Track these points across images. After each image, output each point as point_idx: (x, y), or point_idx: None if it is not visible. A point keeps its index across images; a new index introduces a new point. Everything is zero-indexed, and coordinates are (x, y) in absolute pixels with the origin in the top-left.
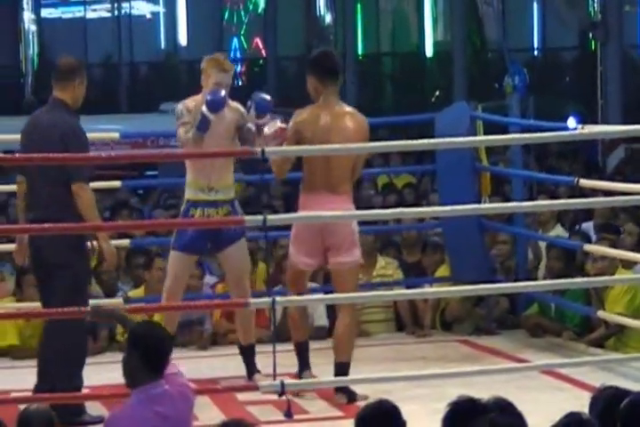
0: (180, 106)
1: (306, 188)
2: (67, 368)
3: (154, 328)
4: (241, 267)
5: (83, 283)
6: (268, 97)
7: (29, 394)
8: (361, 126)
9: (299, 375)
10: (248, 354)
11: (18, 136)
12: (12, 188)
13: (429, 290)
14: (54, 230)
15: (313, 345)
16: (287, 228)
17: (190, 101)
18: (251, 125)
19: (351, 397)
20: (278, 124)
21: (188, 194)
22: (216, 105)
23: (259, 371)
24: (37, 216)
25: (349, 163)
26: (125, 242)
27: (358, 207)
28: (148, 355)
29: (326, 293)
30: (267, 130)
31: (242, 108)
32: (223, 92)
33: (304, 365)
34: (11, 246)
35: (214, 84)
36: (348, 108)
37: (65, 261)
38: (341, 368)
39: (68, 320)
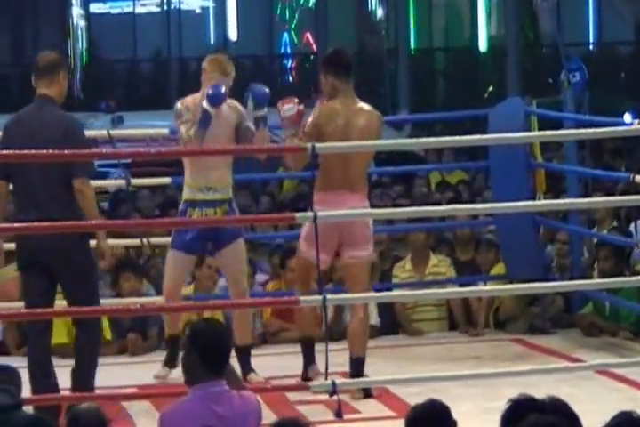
0: (178, 104)
1: (322, 185)
2: (94, 368)
3: (214, 326)
4: (238, 266)
5: (97, 282)
6: (265, 88)
7: (78, 392)
8: (378, 123)
9: (304, 371)
10: (243, 354)
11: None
12: None
13: (483, 288)
14: (63, 228)
15: None
16: None
17: (189, 100)
18: (249, 124)
19: (367, 392)
20: (298, 106)
21: (186, 194)
22: (217, 99)
23: (253, 370)
24: (38, 216)
25: (366, 161)
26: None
27: (412, 204)
28: (207, 353)
29: (379, 291)
30: (286, 111)
31: (240, 107)
32: (224, 87)
33: (309, 361)
34: None
35: None
36: (366, 106)
37: (91, 262)
38: (357, 363)
39: (97, 320)
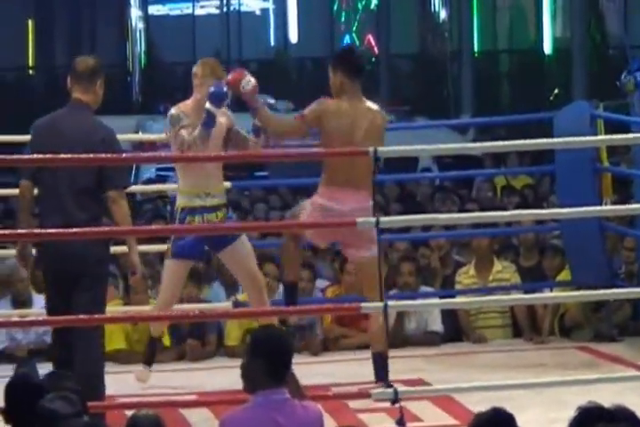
0: (174, 110)
1: (327, 182)
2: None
3: (277, 333)
4: (247, 262)
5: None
6: (224, 87)
7: (137, 399)
8: (383, 124)
9: None
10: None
11: (126, 136)
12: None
13: (548, 295)
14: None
15: (426, 351)
16: (402, 230)
17: (184, 106)
18: (240, 129)
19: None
20: (250, 77)
21: (183, 201)
22: (220, 98)
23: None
24: (66, 221)
25: (371, 159)
26: None
27: (477, 209)
28: (270, 361)
29: (442, 297)
30: (244, 85)
31: (228, 111)
32: (226, 87)
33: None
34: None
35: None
36: (373, 105)
37: (108, 273)
38: (379, 358)
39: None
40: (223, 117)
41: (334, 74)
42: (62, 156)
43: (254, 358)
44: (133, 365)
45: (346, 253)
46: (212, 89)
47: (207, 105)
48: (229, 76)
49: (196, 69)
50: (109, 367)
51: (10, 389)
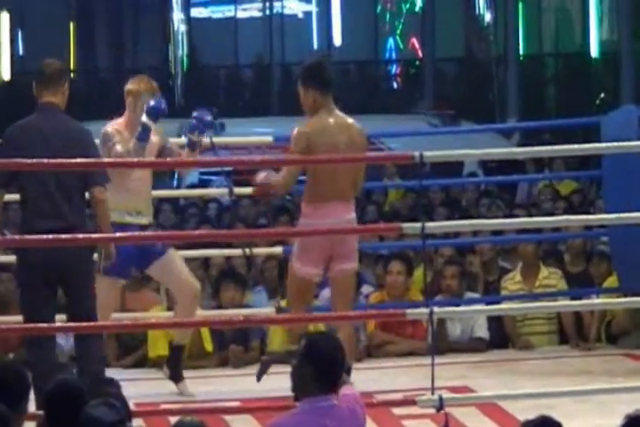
0: (108, 128)
1: (311, 198)
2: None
3: (331, 340)
4: (176, 276)
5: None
6: (163, 102)
7: (180, 406)
8: (363, 136)
9: None
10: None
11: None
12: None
13: (595, 301)
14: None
15: (471, 358)
16: (447, 236)
17: (117, 124)
18: (173, 146)
19: None
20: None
21: (112, 216)
22: (158, 112)
23: (183, 378)
24: (60, 226)
25: (354, 172)
26: (278, 250)
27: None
28: (321, 367)
29: (488, 304)
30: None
31: (160, 129)
32: (164, 103)
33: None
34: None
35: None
36: (349, 119)
37: (92, 274)
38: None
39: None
40: (156, 136)
41: (306, 91)
42: (55, 160)
43: (305, 365)
44: None
45: (331, 267)
46: (151, 103)
47: (144, 118)
48: (256, 192)
49: (130, 86)
50: (153, 374)
51: (51, 395)
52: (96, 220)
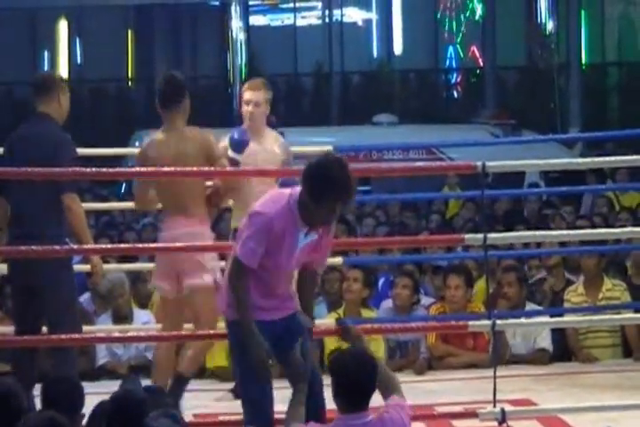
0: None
1: (163, 211)
2: None
3: (356, 357)
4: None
5: (74, 302)
6: (245, 133)
7: (238, 417)
8: (203, 147)
9: None
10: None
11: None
12: None
13: None
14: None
15: (533, 370)
16: (509, 247)
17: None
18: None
19: None
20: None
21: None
22: (242, 144)
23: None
24: (24, 232)
25: (197, 187)
26: (338, 260)
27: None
28: (344, 385)
29: (551, 316)
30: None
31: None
32: (245, 133)
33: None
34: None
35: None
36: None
37: (56, 280)
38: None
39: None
40: (279, 149)
41: (186, 103)
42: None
43: (331, 382)
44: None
45: (181, 283)
46: (235, 136)
47: (230, 153)
48: None
49: (248, 96)
50: (212, 385)
51: (113, 406)
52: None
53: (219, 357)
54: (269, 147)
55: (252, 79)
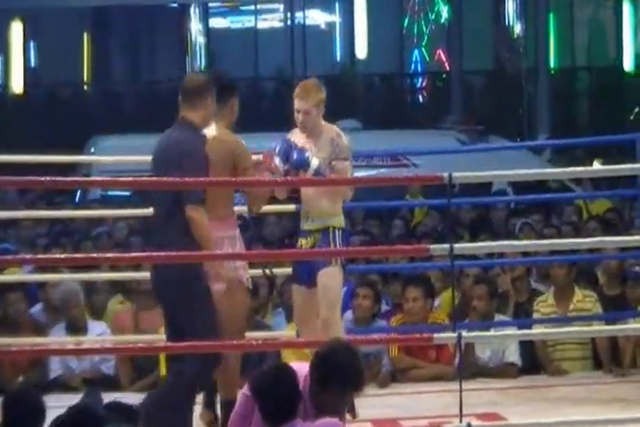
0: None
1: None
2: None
3: (277, 376)
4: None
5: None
6: (307, 153)
7: None
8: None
9: None
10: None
11: None
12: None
13: (631, 326)
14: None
15: (501, 384)
16: (474, 257)
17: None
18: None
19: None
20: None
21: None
22: (304, 163)
23: None
24: (157, 242)
25: (226, 189)
26: None
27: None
28: (270, 407)
29: (519, 327)
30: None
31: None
32: (305, 152)
33: None
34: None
35: None
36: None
37: (206, 290)
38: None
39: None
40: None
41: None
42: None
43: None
44: None
45: None
46: (294, 157)
47: (276, 161)
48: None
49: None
50: None
51: (67, 421)
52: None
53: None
54: (322, 150)
55: (302, 82)
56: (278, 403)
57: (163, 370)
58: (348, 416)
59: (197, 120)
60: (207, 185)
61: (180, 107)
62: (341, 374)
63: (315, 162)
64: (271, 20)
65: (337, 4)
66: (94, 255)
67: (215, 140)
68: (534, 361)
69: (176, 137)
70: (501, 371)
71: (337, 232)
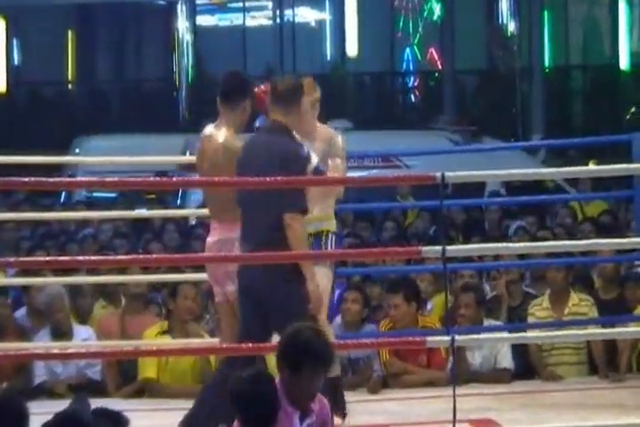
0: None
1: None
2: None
3: (255, 383)
4: None
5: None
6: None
7: None
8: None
9: None
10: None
11: (174, 158)
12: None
13: (627, 330)
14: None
15: (494, 389)
16: (467, 259)
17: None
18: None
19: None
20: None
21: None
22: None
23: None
24: (258, 247)
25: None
26: None
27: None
28: (249, 415)
29: (512, 331)
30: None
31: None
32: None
33: None
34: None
35: None
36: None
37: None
38: None
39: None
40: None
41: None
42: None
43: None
44: None
45: (214, 292)
46: (313, 165)
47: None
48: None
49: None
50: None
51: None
52: None
53: (149, 369)
54: (317, 150)
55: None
56: (257, 411)
57: (143, 374)
58: (337, 419)
59: (291, 125)
60: (207, 185)
61: (270, 109)
62: (310, 351)
63: (314, 158)
64: (260, 18)
65: (327, 2)
66: (79, 258)
67: (222, 146)
68: (528, 366)
69: (277, 142)
70: (494, 376)
71: (330, 236)
